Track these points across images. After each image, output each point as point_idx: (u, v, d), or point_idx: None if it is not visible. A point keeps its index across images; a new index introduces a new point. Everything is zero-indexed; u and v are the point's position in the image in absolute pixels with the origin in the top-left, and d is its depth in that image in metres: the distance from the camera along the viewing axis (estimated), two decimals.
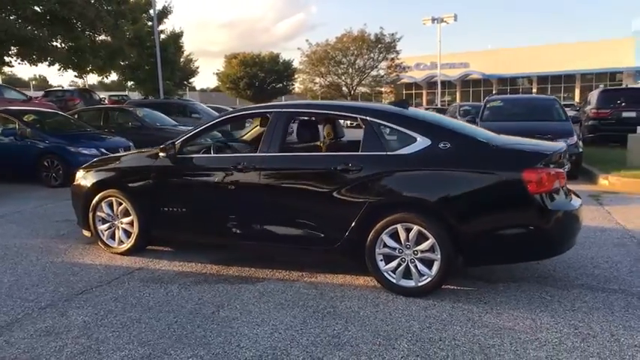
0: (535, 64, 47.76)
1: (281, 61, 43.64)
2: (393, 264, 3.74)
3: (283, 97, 48.47)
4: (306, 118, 4.87)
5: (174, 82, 29.79)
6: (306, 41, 41.72)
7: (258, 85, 42.70)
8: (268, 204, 4.11)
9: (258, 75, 42.09)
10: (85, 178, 4.92)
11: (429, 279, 3.64)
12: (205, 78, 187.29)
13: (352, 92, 41.80)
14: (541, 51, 48.30)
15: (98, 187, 4.78)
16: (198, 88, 56.79)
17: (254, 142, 5.54)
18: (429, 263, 3.64)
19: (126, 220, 4.68)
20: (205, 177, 4.38)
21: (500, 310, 3.46)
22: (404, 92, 54.90)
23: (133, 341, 3.05)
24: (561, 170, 3.62)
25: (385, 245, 3.74)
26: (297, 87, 46.45)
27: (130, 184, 4.62)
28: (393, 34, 40.45)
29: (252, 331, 3.17)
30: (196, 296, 3.76)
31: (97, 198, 4.75)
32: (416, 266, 3.68)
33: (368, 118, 3.92)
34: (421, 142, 3.71)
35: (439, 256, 3.57)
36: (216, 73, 44.16)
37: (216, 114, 15.61)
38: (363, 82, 41.71)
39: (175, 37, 29.55)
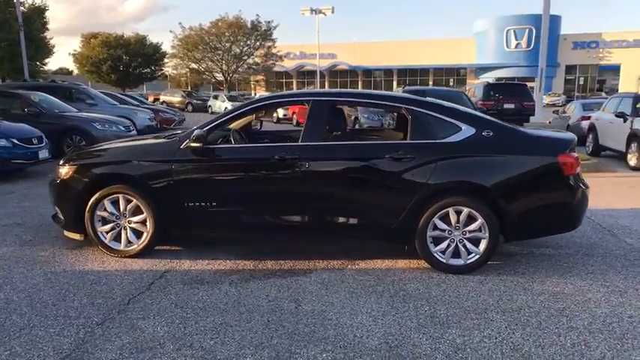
0: (395, 58, 51.83)
1: (148, 43, 40.65)
2: (443, 245, 4.00)
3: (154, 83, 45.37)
4: (347, 107, 4.84)
5: (40, 62, 25.92)
6: (179, 24, 39.53)
7: (123, 69, 39.29)
8: (314, 194, 4.04)
9: (123, 58, 38.73)
10: (77, 174, 4.25)
11: (477, 256, 3.97)
12: (56, 59, 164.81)
13: (229, 79, 40.79)
14: (400, 46, 52.53)
15: (98, 183, 4.18)
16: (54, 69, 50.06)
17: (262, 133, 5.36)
18: (476, 242, 3.97)
19: (136, 218, 4.19)
20: (240, 168, 4.13)
21: (541, 279, 3.94)
22: (274, 80, 55.38)
23: (246, 346, 2.85)
24: (578, 156, 4.22)
25: (436, 228, 3.98)
26: (170, 72, 43.84)
27: (144, 179, 4.13)
28: (269, 22, 40.39)
29: (355, 321, 3.17)
30: (260, 293, 3.58)
31: (96, 196, 4.15)
32: (465, 245, 3.98)
33: (413, 108, 4.09)
34: (466, 130, 4.00)
35: (487, 234, 3.92)
36: (73, 54, 39.47)
37: (111, 100, 14.28)
38: (239, 69, 40.92)
39: (40, 12, 25.66)
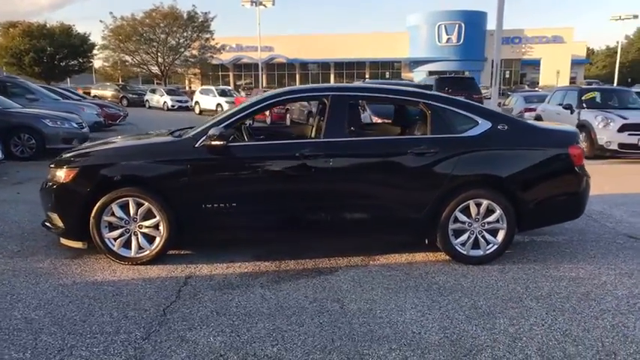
0: (332, 51, 52.14)
1: (75, 34, 38.02)
2: (463, 237, 4.10)
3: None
4: (364, 102, 4.76)
5: None
6: (110, 14, 37.02)
7: (47, 62, 36.50)
8: (338, 191, 3.99)
9: (47, 49, 35.97)
10: (80, 176, 3.90)
11: (495, 247, 4.12)
12: None
13: (165, 72, 39.12)
14: (337, 39, 52.90)
15: (105, 186, 3.87)
16: None
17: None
18: (494, 233, 4.11)
19: (148, 222, 3.93)
20: (262, 166, 3.98)
21: (554, 265, 4.15)
22: (212, 74, 53.99)
23: (312, 350, 2.78)
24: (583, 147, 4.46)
25: (457, 220, 4.07)
26: (102, 64, 41.24)
27: (157, 180, 3.87)
28: (205, 14, 39.14)
29: (405, 317, 3.18)
30: (297, 295, 3.49)
31: (103, 200, 3.84)
32: (484, 237, 4.11)
33: (432, 102, 4.14)
34: (483, 124, 4.12)
35: (505, 225, 4.07)
36: None
37: (52, 94, 13.24)
38: (176, 61, 39.34)
39: None
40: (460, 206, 4.03)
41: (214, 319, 3.11)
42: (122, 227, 3.94)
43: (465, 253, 4.12)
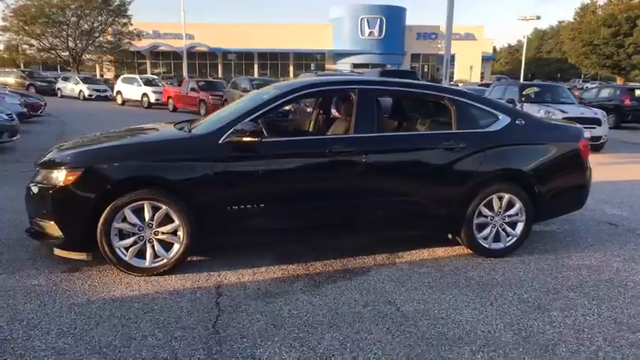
0: (256, 41, 51.22)
1: None
2: (486, 231, 4.14)
3: None
4: (391, 97, 4.54)
5: None
6: None
7: None
8: (369, 188, 3.84)
9: None
10: (85, 179, 3.37)
11: (514, 239, 4.21)
12: None
13: (78, 59, 35.92)
14: (261, 29, 52.04)
15: (115, 189, 3.40)
16: None
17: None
18: (513, 225, 4.20)
19: (166, 228, 3.52)
20: (293, 164, 3.71)
21: (566, 255, 4.33)
22: (132, 61, 50.88)
23: (395, 358, 2.62)
24: None
25: (480, 215, 4.10)
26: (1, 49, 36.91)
27: (176, 181, 3.46)
28: None
29: (465, 316, 3.13)
30: (345, 299, 3.31)
31: (115, 204, 3.38)
32: (504, 229, 4.18)
33: (455, 97, 4.11)
34: (503, 119, 4.17)
35: (524, 217, 4.17)
36: None
37: None
38: (90, 47, 36.26)
39: None
40: (484, 200, 4.06)
41: (275, 333, 2.84)
42: (135, 234, 3.49)
43: (487, 246, 4.16)
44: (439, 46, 54.90)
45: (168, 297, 3.25)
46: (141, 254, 3.54)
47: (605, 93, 17.55)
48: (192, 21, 51.48)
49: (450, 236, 4.23)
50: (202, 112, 19.75)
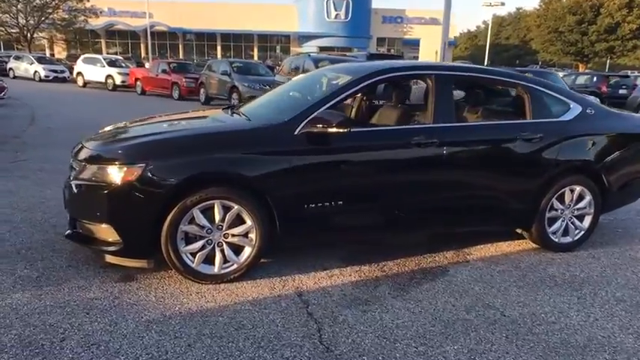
0: (219, 21, 49.64)
1: None
2: (556, 225, 3.98)
3: None
4: (466, 83, 4.21)
5: None
6: None
7: None
8: (448, 182, 3.58)
9: None
10: (150, 176, 2.92)
11: (582, 232, 4.07)
12: None
13: (30, 37, 33.49)
14: (223, 8, 50.31)
15: (185, 186, 2.97)
16: None
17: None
18: (581, 218, 4.06)
19: (238, 230, 3.13)
20: (376, 157, 3.40)
21: (629, 247, 4.24)
22: (81, 40, 48.23)
23: None
24: None
25: (552, 208, 3.93)
26: None
27: (250, 178, 3.07)
28: None
29: (574, 320, 2.95)
30: (443, 305, 3.05)
31: (182, 204, 2.96)
32: (573, 223, 4.04)
33: (530, 85, 3.88)
34: (574, 108, 3.99)
35: (592, 210, 4.04)
36: None
37: None
38: (42, 25, 33.84)
39: None
40: (558, 193, 3.88)
41: (393, 348, 2.55)
42: (203, 238, 3.09)
43: (556, 240, 4.01)
44: (404, 30, 55.13)
45: (251, 308, 2.89)
46: (207, 260, 3.15)
47: (582, 80, 17.97)
48: None
49: (519, 231, 4.05)
50: (175, 95, 18.89)
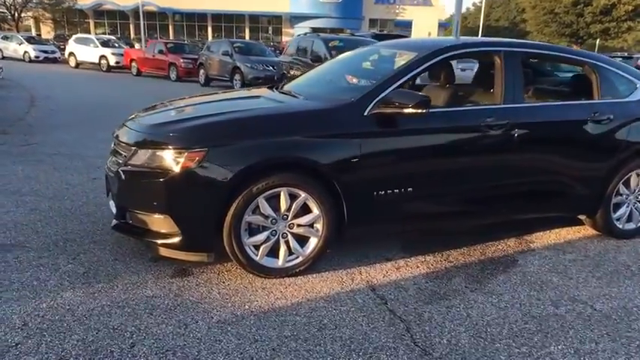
0: (208, 1, 48.48)
1: None
2: (621, 211, 3.80)
3: None
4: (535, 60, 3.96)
5: None
6: None
7: None
8: (517, 167, 3.36)
9: None
10: (212, 161, 2.63)
11: None
12: None
13: (18, 16, 32.32)
14: None
15: (250, 173, 2.70)
16: None
17: None
18: None
19: (304, 220, 2.88)
20: (445, 139, 3.14)
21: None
22: (69, 19, 46.91)
23: None
24: None
25: (618, 194, 3.74)
26: None
27: (318, 163, 2.80)
28: None
29: None
30: (534, 296, 2.86)
31: (248, 192, 2.69)
32: (637, 208, 3.85)
33: (599, 63, 3.65)
34: None
35: None
36: None
37: None
38: (29, 4, 32.67)
39: None
40: (624, 178, 3.68)
41: (495, 349, 2.34)
42: (268, 229, 2.83)
43: (620, 227, 3.83)
44: (397, 11, 54.44)
45: (326, 305, 2.66)
46: (271, 252, 2.90)
47: None
48: None
49: (584, 217, 3.85)
50: (173, 76, 18.36)
